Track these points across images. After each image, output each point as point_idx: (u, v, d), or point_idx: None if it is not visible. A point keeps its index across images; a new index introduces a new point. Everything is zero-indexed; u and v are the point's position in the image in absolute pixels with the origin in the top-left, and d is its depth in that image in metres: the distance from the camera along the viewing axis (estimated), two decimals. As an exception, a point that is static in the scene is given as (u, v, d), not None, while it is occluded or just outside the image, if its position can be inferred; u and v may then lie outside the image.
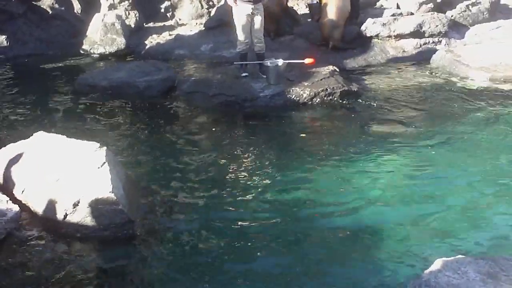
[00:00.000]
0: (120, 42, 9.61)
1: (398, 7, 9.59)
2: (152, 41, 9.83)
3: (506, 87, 6.93)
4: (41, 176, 4.10)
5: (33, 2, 10.16)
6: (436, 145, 5.34)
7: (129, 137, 5.93)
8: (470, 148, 5.27)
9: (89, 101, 7.09)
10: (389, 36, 8.69)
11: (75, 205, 3.85)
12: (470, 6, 9.30)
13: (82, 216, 3.84)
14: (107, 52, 9.51)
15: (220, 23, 9.38)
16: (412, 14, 9.14)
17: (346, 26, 8.55)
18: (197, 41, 9.46)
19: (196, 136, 5.98)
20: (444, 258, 2.87)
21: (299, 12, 10.15)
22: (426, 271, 2.78)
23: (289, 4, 9.98)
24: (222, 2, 9.64)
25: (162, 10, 10.92)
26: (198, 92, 6.98)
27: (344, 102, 6.69)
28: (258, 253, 3.76)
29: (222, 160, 5.22)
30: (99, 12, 10.11)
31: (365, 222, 4.09)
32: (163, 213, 4.29)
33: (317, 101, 6.68)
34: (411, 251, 3.69)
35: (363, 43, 8.70)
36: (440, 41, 8.70)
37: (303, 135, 5.93)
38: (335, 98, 6.72)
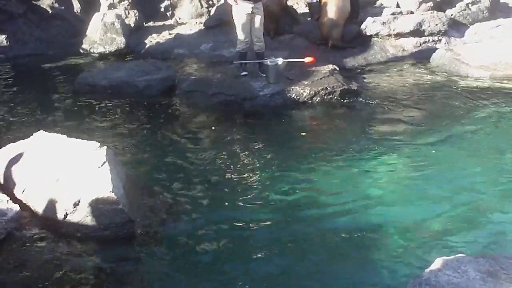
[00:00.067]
0: (119, 41, 9.60)
1: (398, 6, 9.58)
2: (151, 40, 9.82)
3: (506, 85, 6.93)
4: (41, 176, 4.10)
5: (33, 2, 10.15)
6: (436, 143, 5.34)
7: (129, 136, 5.94)
8: (470, 147, 5.28)
9: (89, 101, 7.08)
10: (389, 35, 8.68)
11: (76, 204, 3.85)
12: (470, 5, 9.28)
13: (83, 215, 3.84)
14: (107, 52, 9.50)
15: (219, 22, 9.37)
16: (412, 13, 9.14)
17: (346, 25, 8.55)
18: (197, 40, 9.45)
19: (196, 135, 5.98)
20: (444, 257, 2.86)
21: (298, 11, 10.14)
22: (427, 270, 2.78)
23: (289, 3, 9.98)
24: (222, 1, 9.63)
25: (162, 10, 10.92)
26: (197, 91, 6.98)
27: (344, 101, 6.69)
28: (258, 253, 3.76)
29: (222, 160, 5.22)
30: (98, 11, 10.10)
31: (365, 222, 4.09)
32: (163, 212, 4.28)
33: (317, 100, 6.68)
34: (411, 251, 3.69)
35: (363, 42, 8.69)
36: (440, 40, 8.70)
37: (303, 134, 5.94)
38: (335, 97, 6.72)
